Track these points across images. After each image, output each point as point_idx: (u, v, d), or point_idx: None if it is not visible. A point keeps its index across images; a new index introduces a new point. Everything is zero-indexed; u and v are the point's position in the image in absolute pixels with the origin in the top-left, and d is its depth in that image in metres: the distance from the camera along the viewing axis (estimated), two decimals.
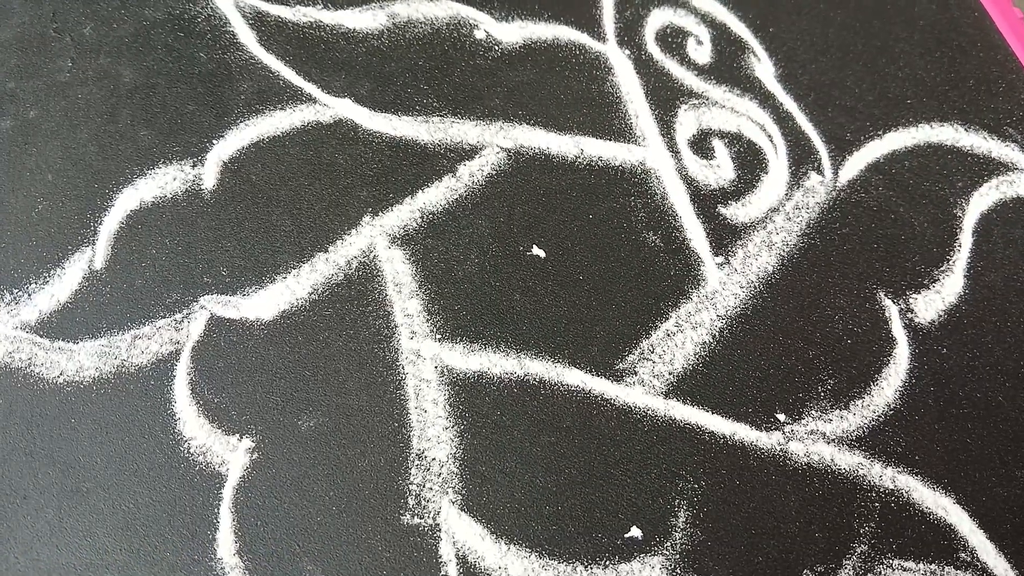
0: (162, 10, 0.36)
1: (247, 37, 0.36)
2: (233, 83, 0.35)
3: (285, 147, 0.33)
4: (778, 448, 0.30)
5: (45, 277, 0.30)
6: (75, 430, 0.28)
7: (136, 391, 0.29)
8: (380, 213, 0.33)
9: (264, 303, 0.30)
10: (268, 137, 0.34)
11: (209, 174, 0.33)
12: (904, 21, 0.40)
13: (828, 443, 0.30)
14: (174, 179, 0.32)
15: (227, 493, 0.27)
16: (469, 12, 0.37)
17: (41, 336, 0.29)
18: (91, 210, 0.32)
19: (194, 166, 0.33)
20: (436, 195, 0.33)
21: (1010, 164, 0.37)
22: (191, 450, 0.28)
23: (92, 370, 0.29)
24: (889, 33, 0.40)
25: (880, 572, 0.28)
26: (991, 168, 0.37)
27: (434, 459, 0.28)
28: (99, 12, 0.36)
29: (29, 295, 0.30)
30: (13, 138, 0.33)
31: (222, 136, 0.33)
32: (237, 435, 0.28)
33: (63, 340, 0.29)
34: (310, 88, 0.35)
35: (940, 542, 0.29)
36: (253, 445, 0.28)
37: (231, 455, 0.28)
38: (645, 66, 0.37)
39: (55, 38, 0.35)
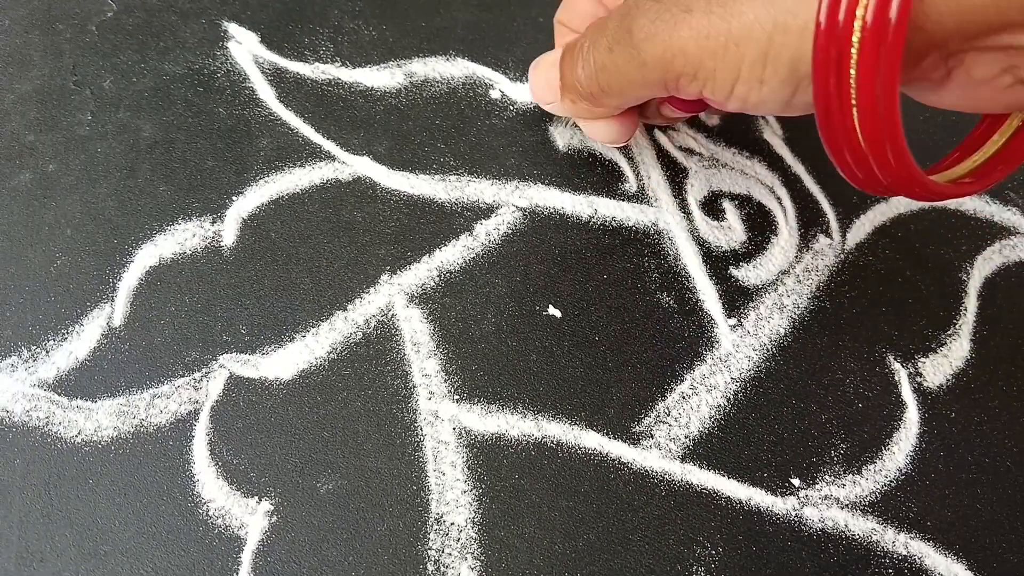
0: (182, 65, 0.37)
1: (266, 93, 0.36)
2: (252, 139, 0.35)
3: (304, 204, 0.34)
4: (793, 514, 0.30)
5: (63, 334, 0.30)
6: (93, 491, 0.28)
7: (155, 451, 0.29)
8: (398, 271, 0.33)
9: (283, 362, 0.31)
10: (287, 194, 0.34)
11: (228, 231, 0.33)
12: None
13: (842, 508, 0.30)
14: (193, 235, 0.33)
15: (246, 557, 0.27)
16: (484, 72, 0.38)
17: (59, 394, 0.29)
18: (110, 266, 0.32)
19: (213, 223, 0.33)
20: (453, 254, 0.34)
21: (1012, 228, 0.38)
22: (210, 513, 0.28)
23: (110, 429, 0.29)
24: None
25: None
26: (994, 232, 0.38)
27: (453, 524, 0.29)
28: (119, 66, 0.36)
29: (47, 352, 0.30)
30: (32, 192, 0.33)
31: (241, 192, 0.34)
32: (256, 497, 0.28)
33: (81, 398, 0.29)
34: (329, 146, 0.35)
35: None
36: (272, 508, 0.28)
37: (250, 518, 0.28)
38: (655, 127, 0.38)
39: (75, 91, 0.35)
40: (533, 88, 0.34)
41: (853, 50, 0.21)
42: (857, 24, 0.21)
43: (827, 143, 0.24)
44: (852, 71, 0.21)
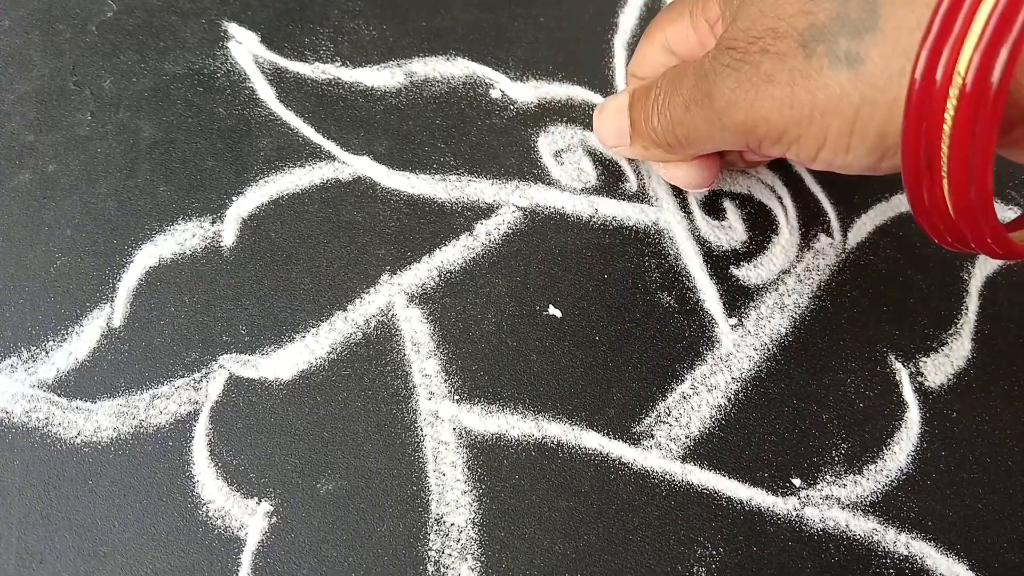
0: (182, 65, 0.36)
1: (266, 93, 0.36)
2: (252, 139, 0.35)
3: (304, 204, 0.34)
4: (794, 514, 0.30)
5: (63, 334, 0.30)
6: (93, 492, 0.28)
7: (154, 452, 0.29)
8: (398, 271, 0.33)
9: (283, 362, 0.31)
10: (287, 194, 0.34)
11: (228, 231, 0.33)
12: None
13: (843, 508, 0.30)
14: (193, 236, 0.33)
15: (246, 559, 0.27)
16: (485, 72, 0.38)
17: (59, 395, 0.29)
18: (110, 266, 0.32)
19: (213, 223, 0.33)
20: (453, 254, 0.34)
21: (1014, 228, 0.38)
22: (209, 514, 0.28)
23: (110, 430, 0.29)
24: None
25: None
26: None
27: (453, 524, 0.28)
28: (119, 66, 0.36)
29: (47, 353, 0.30)
30: (32, 192, 0.33)
31: (241, 193, 0.34)
32: (256, 498, 0.28)
33: (81, 399, 0.29)
34: (329, 146, 0.35)
35: None
36: (272, 509, 0.28)
37: (250, 519, 0.28)
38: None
39: (75, 91, 0.35)
40: (600, 133, 0.34)
41: (947, 115, 0.21)
42: (954, 89, 0.20)
43: (915, 209, 0.24)
44: (945, 139, 0.21)
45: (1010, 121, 0.22)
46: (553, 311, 0.33)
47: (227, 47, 0.37)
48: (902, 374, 0.33)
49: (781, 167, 0.38)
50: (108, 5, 0.38)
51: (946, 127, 0.21)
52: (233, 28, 0.37)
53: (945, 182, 0.22)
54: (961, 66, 0.20)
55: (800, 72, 0.24)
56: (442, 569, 0.28)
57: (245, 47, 0.37)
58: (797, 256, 0.36)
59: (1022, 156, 0.25)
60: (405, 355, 0.31)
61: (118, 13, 0.38)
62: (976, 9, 0.20)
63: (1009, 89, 0.20)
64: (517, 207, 0.35)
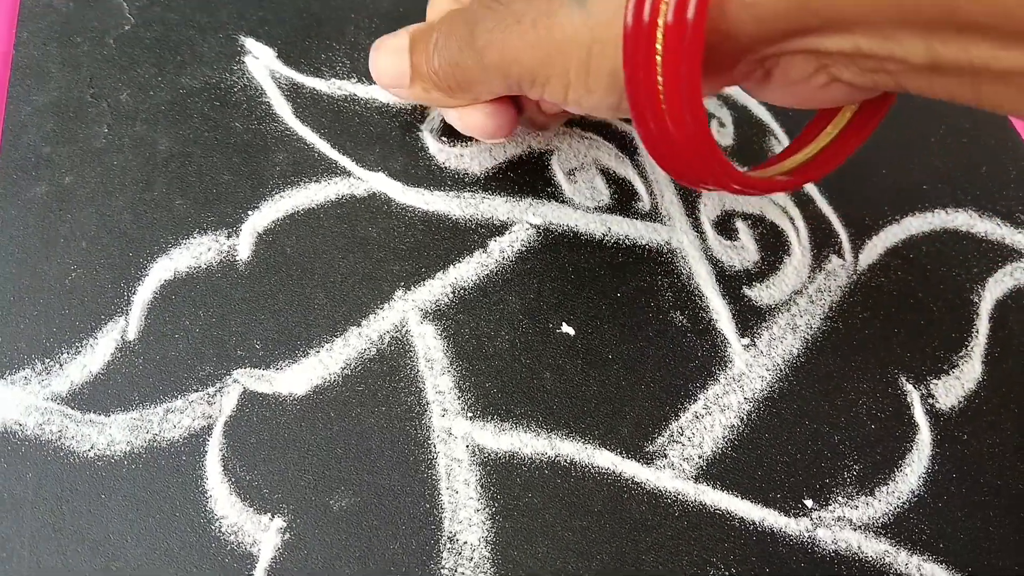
0: (199, 79, 0.37)
1: (283, 108, 0.36)
2: (268, 154, 0.35)
3: (319, 219, 0.34)
4: (806, 535, 0.30)
5: (77, 347, 0.30)
6: (105, 506, 0.28)
7: (168, 467, 0.28)
8: (412, 287, 0.33)
9: (297, 377, 0.31)
10: (303, 209, 0.34)
11: (244, 245, 0.33)
12: (918, 109, 0.42)
13: (855, 530, 0.30)
14: (208, 250, 0.33)
15: (259, 575, 0.27)
16: None
17: (72, 408, 0.29)
18: (125, 279, 0.32)
19: (229, 237, 0.33)
20: (467, 270, 0.34)
21: (1022, 251, 0.38)
22: (222, 529, 0.28)
23: (123, 444, 0.29)
24: (904, 122, 0.41)
25: None
26: (1004, 254, 0.38)
27: (466, 543, 0.28)
28: (136, 79, 0.36)
29: (61, 365, 0.30)
30: (48, 204, 0.33)
31: (257, 207, 0.34)
32: (269, 514, 0.28)
33: (95, 412, 0.29)
34: (344, 161, 0.35)
35: None
36: (285, 525, 0.28)
37: (263, 535, 0.28)
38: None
39: (92, 103, 0.36)
40: (378, 72, 0.33)
41: (658, 48, 0.21)
42: (662, 20, 0.21)
43: (647, 146, 0.24)
44: (659, 72, 0.21)
45: (728, 54, 0.23)
46: (566, 329, 0.33)
47: (244, 62, 0.37)
48: (913, 396, 0.34)
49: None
50: (126, 18, 0.38)
51: (659, 60, 0.21)
52: (250, 43, 0.38)
53: (667, 117, 0.22)
54: None
55: (543, 11, 0.24)
56: None
57: (262, 62, 0.37)
58: (809, 277, 0.36)
59: (765, 93, 0.26)
60: (419, 371, 0.31)
61: (136, 26, 0.38)
62: None
63: (708, 20, 0.21)
64: (531, 225, 0.35)
